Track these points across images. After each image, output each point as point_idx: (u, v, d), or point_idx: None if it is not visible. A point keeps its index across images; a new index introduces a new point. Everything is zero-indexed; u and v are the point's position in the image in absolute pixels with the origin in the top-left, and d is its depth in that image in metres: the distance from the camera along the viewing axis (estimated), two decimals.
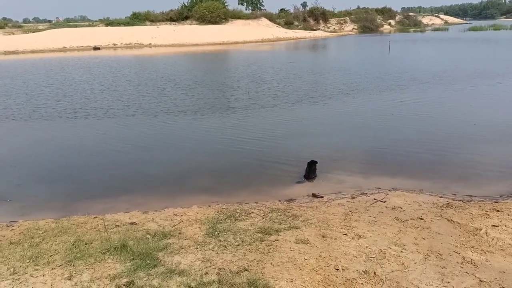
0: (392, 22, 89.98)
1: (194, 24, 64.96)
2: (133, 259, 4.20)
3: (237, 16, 72.03)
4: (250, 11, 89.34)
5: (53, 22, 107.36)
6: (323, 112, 12.44)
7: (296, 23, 77.30)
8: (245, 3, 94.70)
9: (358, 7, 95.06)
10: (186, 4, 71.04)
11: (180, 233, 4.88)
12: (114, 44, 46.72)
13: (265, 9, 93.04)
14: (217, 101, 14.06)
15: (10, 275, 4.07)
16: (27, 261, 4.35)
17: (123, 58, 34.63)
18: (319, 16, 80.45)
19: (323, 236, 4.69)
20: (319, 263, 4.11)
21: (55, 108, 13.58)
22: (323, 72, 21.42)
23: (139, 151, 9.20)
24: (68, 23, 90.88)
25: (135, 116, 12.21)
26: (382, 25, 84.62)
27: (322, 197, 6.20)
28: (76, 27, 64.68)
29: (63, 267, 4.15)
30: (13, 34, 58.44)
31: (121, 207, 6.19)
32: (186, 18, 68.39)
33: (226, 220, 5.22)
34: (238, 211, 5.52)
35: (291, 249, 4.39)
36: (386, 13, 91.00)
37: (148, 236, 4.80)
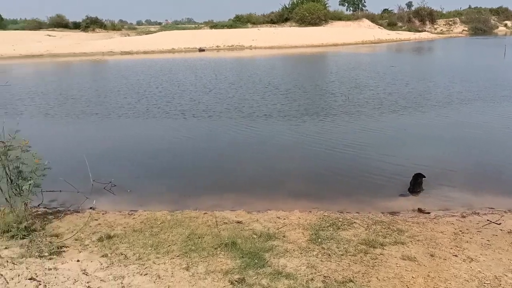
0: (509, 23, 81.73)
1: (294, 26, 65.55)
2: (242, 257, 4.49)
3: (337, 17, 71.24)
4: (351, 12, 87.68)
5: (163, 24, 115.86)
6: (431, 122, 11.81)
7: (399, 24, 74.17)
8: (346, 4, 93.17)
9: (470, 7, 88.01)
10: (287, 6, 71.98)
11: (284, 236, 5.07)
12: (217, 46, 48.97)
13: (367, 10, 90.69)
14: (317, 106, 14.11)
15: (136, 260, 4.58)
16: (149, 248, 4.86)
17: (225, 60, 36.22)
18: (425, 16, 76.17)
19: (431, 255, 4.54)
20: (427, 283, 4.01)
21: (165, 108, 14.55)
22: (431, 78, 20.28)
23: (239, 152, 9.65)
24: (176, 25, 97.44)
25: (236, 119, 12.69)
26: (497, 27, 77.44)
27: (429, 213, 5.97)
28: (184, 29, 68.98)
29: (181, 257, 4.58)
30: (128, 35, 64.36)
31: (227, 205, 6.56)
32: (286, 20, 69.36)
33: (329, 228, 5.30)
34: (340, 219, 5.57)
35: (397, 265, 4.33)
36: (502, 13, 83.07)
37: (255, 236, 5.07)
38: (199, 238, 5.05)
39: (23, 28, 66.51)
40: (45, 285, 3.21)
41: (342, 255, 4.55)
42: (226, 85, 19.58)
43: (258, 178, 8.05)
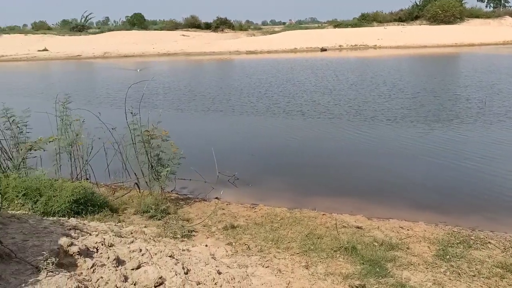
0: None
1: (424, 24, 61.53)
2: (363, 263, 4.41)
3: (474, 14, 64.89)
4: (491, 8, 79.21)
5: (286, 24, 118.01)
6: None
7: None
8: (486, 0, 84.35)
9: None
10: (418, 3, 67.80)
11: (408, 248, 4.85)
12: (339, 46, 48.31)
13: (510, 6, 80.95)
14: (449, 113, 13.05)
15: (258, 252, 4.80)
16: (270, 242, 5.05)
17: (347, 60, 35.59)
18: None
19: None
20: None
21: (285, 108, 14.76)
22: None
23: (359, 156, 9.43)
24: (299, 25, 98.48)
25: (356, 122, 12.37)
26: None
27: None
28: (307, 29, 69.41)
29: (300, 255, 4.68)
30: (254, 35, 66.87)
31: (345, 209, 6.49)
32: (416, 18, 65.34)
33: (459, 245, 4.92)
34: (472, 237, 5.13)
35: None
36: None
37: (376, 244, 4.94)
38: (318, 238, 5.10)
39: (161, 29, 73.49)
40: (182, 264, 3.56)
41: (473, 276, 4.20)
42: (347, 86, 19.21)
43: (378, 184, 7.80)
